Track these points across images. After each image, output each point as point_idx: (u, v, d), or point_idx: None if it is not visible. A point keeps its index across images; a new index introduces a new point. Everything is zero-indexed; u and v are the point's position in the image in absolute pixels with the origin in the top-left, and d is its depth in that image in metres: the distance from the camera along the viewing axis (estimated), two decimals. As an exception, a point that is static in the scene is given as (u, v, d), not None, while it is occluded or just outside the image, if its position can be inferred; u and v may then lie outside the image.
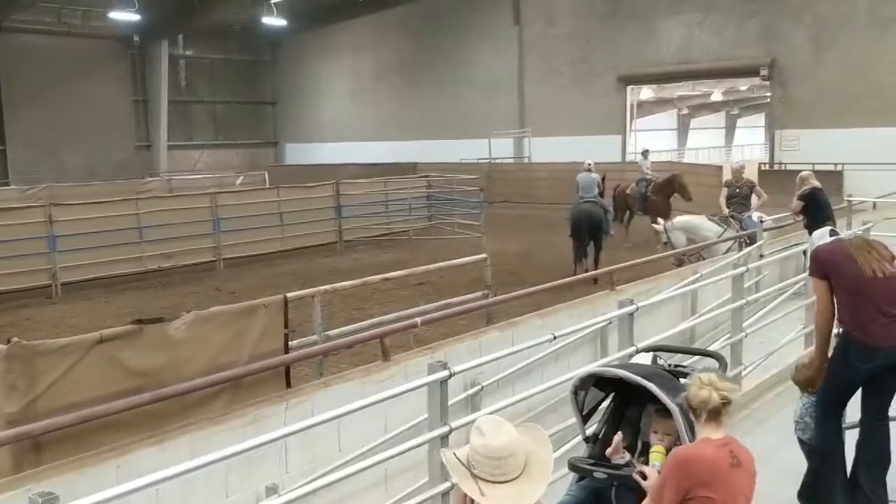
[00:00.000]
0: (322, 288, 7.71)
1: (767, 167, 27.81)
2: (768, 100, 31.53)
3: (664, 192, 18.76)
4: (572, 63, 32.87)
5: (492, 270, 9.75)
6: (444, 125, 36.00)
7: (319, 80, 42.43)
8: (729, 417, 6.78)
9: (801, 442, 5.35)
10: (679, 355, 5.53)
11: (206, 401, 5.53)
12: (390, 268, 12.77)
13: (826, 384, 5.13)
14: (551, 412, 6.46)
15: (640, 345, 6.00)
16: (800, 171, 12.92)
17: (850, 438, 5.25)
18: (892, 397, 5.14)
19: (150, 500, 4.09)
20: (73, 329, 12.12)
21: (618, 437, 3.98)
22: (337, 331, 7.64)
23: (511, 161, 34.05)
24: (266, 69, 44.94)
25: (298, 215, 20.28)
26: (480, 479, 2.68)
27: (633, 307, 6.26)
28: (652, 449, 3.84)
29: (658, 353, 5.08)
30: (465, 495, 2.73)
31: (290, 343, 6.61)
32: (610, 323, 6.78)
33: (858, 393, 5.14)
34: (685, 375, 4.37)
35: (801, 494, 5.28)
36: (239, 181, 31.64)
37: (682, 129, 49.46)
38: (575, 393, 4.28)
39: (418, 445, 4.66)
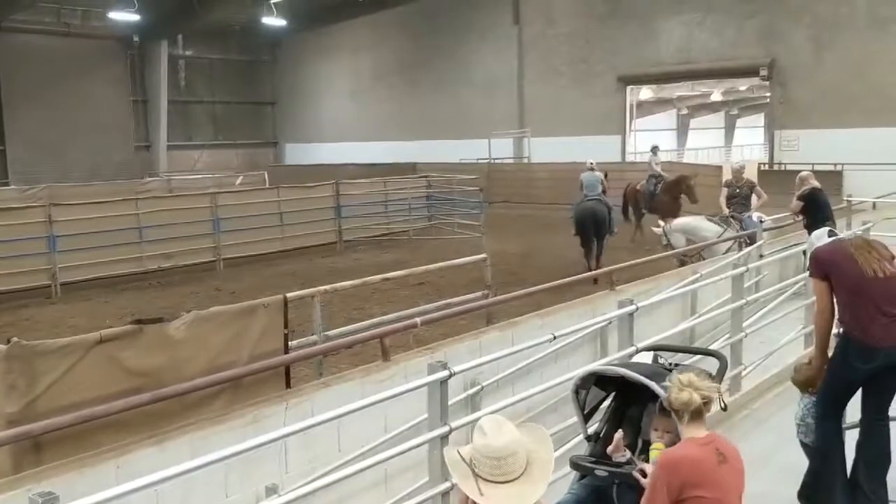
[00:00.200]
0: (322, 288, 7.71)
1: (767, 167, 27.82)
2: (768, 100, 31.53)
3: (672, 192, 18.67)
4: (572, 63, 32.88)
5: (491, 270, 9.75)
6: (444, 125, 36.00)
7: (319, 81, 42.44)
8: (729, 417, 6.84)
9: (803, 445, 5.35)
10: (680, 354, 5.54)
11: (206, 401, 5.53)
12: (390, 268, 12.76)
13: (826, 384, 5.14)
14: (551, 412, 6.46)
15: (641, 344, 6.00)
16: (799, 172, 12.93)
17: (850, 438, 5.25)
18: (892, 397, 5.14)
19: (150, 500, 4.09)
20: (73, 329, 12.12)
21: (619, 435, 3.99)
22: (337, 331, 7.64)
23: (511, 161, 34.05)
24: (266, 69, 44.94)
25: (298, 215, 20.27)
26: (482, 478, 2.69)
27: (633, 307, 6.27)
28: (652, 446, 3.86)
29: (659, 353, 5.09)
30: (467, 496, 2.73)
31: (289, 343, 6.61)
32: (610, 323, 6.78)
33: (858, 393, 5.15)
34: None
35: (801, 494, 5.28)
36: (239, 181, 31.62)
37: (682, 130, 49.48)
38: (576, 392, 4.30)
39: (418, 445, 4.66)
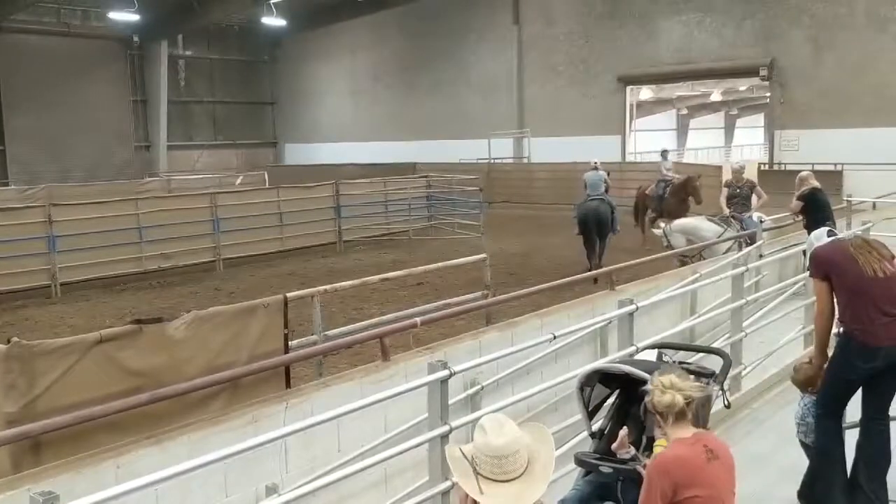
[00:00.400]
0: (322, 288, 7.70)
1: (767, 167, 27.82)
2: (767, 100, 31.54)
3: (678, 194, 18.62)
4: (572, 63, 32.89)
5: (491, 271, 9.75)
6: (444, 125, 36.00)
7: (319, 81, 42.45)
8: (729, 417, 6.84)
9: (803, 445, 5.35)
10: (683, 352, 5.56)
11: (206, 401, 5.53)
12: (390, 268, 12.79)
13: (826, 383, 5.14)
14: (551, 412, 6.46)
15: (643, 343, 6.00)
16: (799, 172, 12.92)
17: (851, 438, 5.25)
18: (892, 397, 5.14)
19: (150, 500, 4.08)
20: (73, 329, 12.13)
21: (623, 431, 4.00)
22: (336, 331, 7.63)
23: (510, 161, 34.05)
24: (265, 69, 44.94)
25: (298, 215, 20.28)
26: (483, 476, 2.69)
27: (633, 307, 6.26)
28: (656, 443, 3.87)
29: (663, 350, 5.11)
30: (467, 493, 2.73)
31: (289, 343, 6.60)
32: (610, 323, 6.78)
33: (858, 393, 5.14)
34: (690, 372, 4.41)
35: (802, 494, 5.28)
36: (238, 181, 31.65)
37: (682, 130, 49.45)
38: (581, 389, 4.34)
39: (418, 445, 4.66)
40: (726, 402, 4.76)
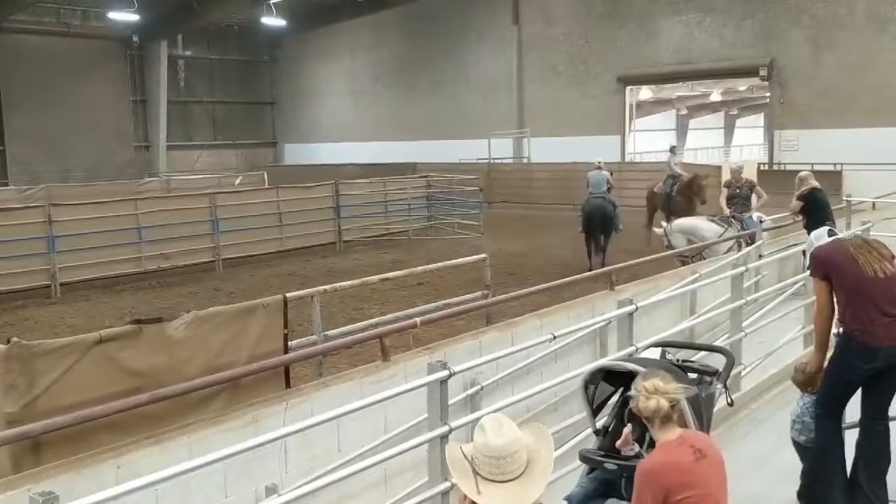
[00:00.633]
0: (321, 288, 7.70)
1: (767, 167, 27.83)
2: (767, 100, 31.57)
3: (685, 193, 18.59)
4: (571, 63, 32.90)
5: (491, 271, 9.75)
6: (444, 125, 36.00)
7: (318, 81, 42.44)
8: (729, 417, 6.83)
9: (795, 444, 5.35)
10: (686, 350, 5.58)
11: (206, 401, 5.52)
12: (389, 268, 12.78)
13: (826, 383, 5.14)
14: (551, 412, 6.47)
15: (646, 342, 6.00)
16: (799, 172, 12.92)
17: (850, 438, 5.25)
18: (892, 397, 5.14)
19: (150, 500, 4.08)
20: (72, 329, 12.13)
21: (627, 429, 4.02)
22: (336, 331, 7.63)
23: (510, 161, 34.06)
24: (265, 69, 44.93)
25: (297, 215, 20.28)
26: (481, 476, 2.69)
27: (633, 307, 6.27)
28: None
29: (667, 349, 5.13)
30: (465, 494, 2.74)
31: (289, 343, 6.60)
32: (609, 323, 6.78)
33: (858, 392, 5.15)
34: (694, 370, 4.50)
35: (801, 495, 5.29)
36: (238, 181, 31.66)
37: (681, 130, 49.45)
38: (585, 387, 4.39)
39: (418, 445, 4.66)
40: (729, 401, 4.78)
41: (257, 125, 45.05)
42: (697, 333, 8.65)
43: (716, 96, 43.52)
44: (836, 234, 5.84)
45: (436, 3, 35.87)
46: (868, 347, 4.89)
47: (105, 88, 38.22)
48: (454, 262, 9.76)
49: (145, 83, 39.45)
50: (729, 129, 53.61)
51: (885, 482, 5.12)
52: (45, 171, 33.51)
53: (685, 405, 3.80)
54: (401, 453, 4.57)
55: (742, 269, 7.93)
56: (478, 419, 3.65)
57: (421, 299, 12.09)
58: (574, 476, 4.65)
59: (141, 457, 4.26)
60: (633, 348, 6.05)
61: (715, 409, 4.57)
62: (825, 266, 5.12)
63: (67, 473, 4.02)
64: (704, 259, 11.15)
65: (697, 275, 8.84)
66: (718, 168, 25.08)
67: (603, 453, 4.20)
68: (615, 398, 4.48)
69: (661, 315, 7.91)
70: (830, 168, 24.24)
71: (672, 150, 20.91)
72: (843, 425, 5.26)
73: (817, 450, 5.16)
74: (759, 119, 48.59)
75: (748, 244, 11.20)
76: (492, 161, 32.71)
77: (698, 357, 5.42)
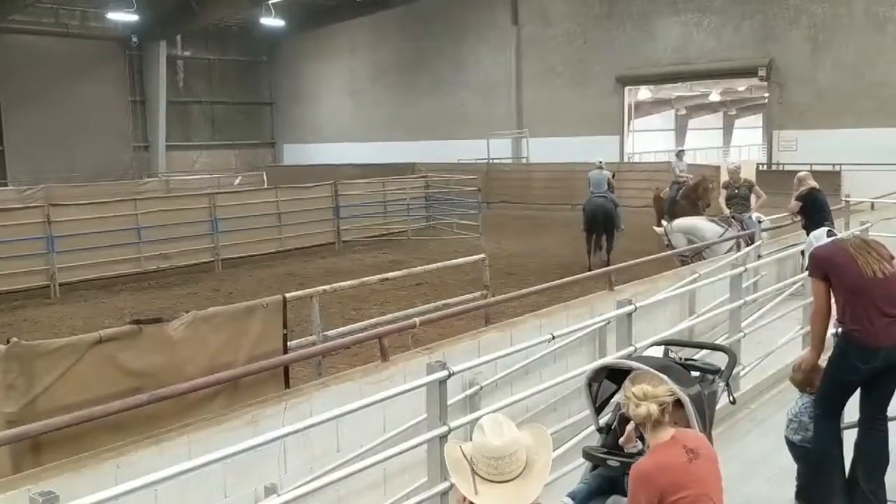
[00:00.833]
0: (321, 288, 7.70)
1: (765, 168, 27.83)
2: (766, 100, 31.54)
3: (690, 196, 18.55)
4: (570, 64, 32.90)
5: (490, 271, 9.75)
6: (442, 126, 36.00)
7: (317, 81, 42.43)
8: (728, 418, 6.83)
9: (789, 443, 5.34)
10: (689, 348, 5.60)
11: (205, 401, 5.53)
12: (388, 268, 12.79)
13: (825, 384, 5.14)
14: (550, 412, 6.47)
15: (644, 342, 6.01)
16: (798, 172, 12.93)
17: (849, 438, 5.26)
18: (891, 398, 5.15)
19: (149, 500, 4.09)
20: (72, 329, 12.13)
21: (631, 426, 4.03)
22: (335, 331, 7.64)
23: (509, 162, 34.05)
24: (264, 70, 44.90)
25: (296, 216, 20.28)
26: (480, 476, 2.69)
27: (632, 307, 6.27)
28: None
29: (669, 347, 5.16)
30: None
31: (288, 343, 6.61)
32: (608, 323, 6.78)
33: (857, 393, 5.15)
34: (696, 368, 4.53)
35: (800, 495, 5.29)
36: (237, 182, 31.66)
37: (680, 130, 49.42)
38: (589, 385, 4.40)
39: (417, 446, 4.66)
40: (731, 399, 4.80)
41: (256, 125, 45.03)
42: (697, 334, 8.65)
43: (714, 97, 43.51)
44: (835, 235, 5.84)
45: (435, 3, 35.88)
46: (867, 348, 4.89)
47: (104, 89, 38.21)
48: (453, 262, 9.76)
49: (144, 83, 39.42)
50: (728, 130, 53.57)
51: (884, 482, 5.12)
52: (45, 171, 33.45)
53: (689, 405, 3.81)
54: (400, 453, 4.57)
55: (741, 269, 7.94)
56: (477, 419, 3.65)
57: (420, 299, 12.10)
58: (573, 475, 4.66)
59: (140, 457, 4.26)
60: (632, 348, 6.06)
61: (717, 407, 4.58)
62: (824, 266, 5.12)
63: (67, 473, 4.02)
64: (704, 259, 11.16)
65: (696, 275, 8.85)
66: (717, 168, 25.08)
67: (606, 450, 4.24)
68: (618, 396, 4.50)
69: (661, 315, 7.92)
70: (829, 168, 24.24)
71: (679, 154, 20.80)
72: (842, 426, 5.27)
73: (816, 450, 5.16)
74: (757, 119, 48.51)
75: (748, 244, 11.20)
76: (490, 161, 32.69)
77: (700, 355, 5.43)
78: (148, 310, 13.29)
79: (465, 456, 2.75)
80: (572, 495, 4.21)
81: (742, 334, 7.75)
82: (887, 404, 5.14)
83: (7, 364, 4.94)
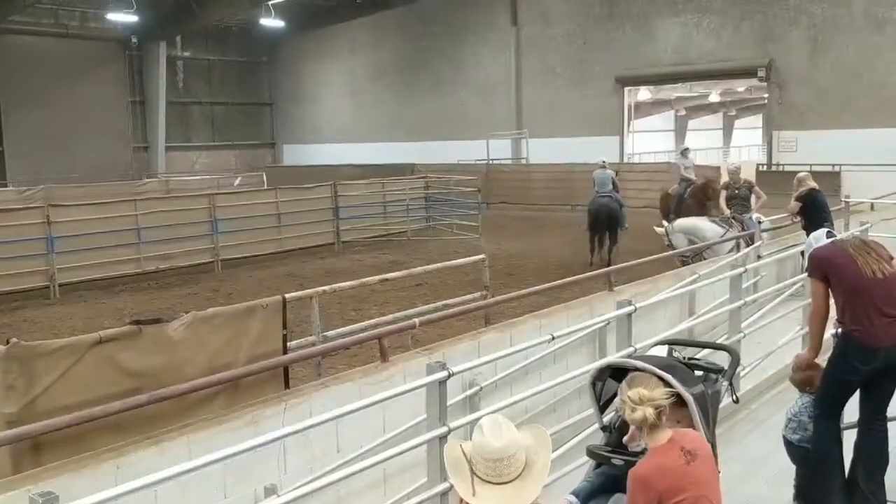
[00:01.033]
0: (320, 289, 7.70)
1: (765, 168, 27.84)
2: (766, 101, 31.57)
3: (697, 196, 18.51)
4: (569, 64, 32.92)
5: (489, 271, 9.75)
6: (442, 126, 36.01)
7: (317, 82, 42.45)
8: (728, 418, 6.83)
9: (787, 442, 5.34)
10: (692, 348, 5.61)
11: (205, 402, 5.52)
12: (388, 269, 12.80)
13: (825, 384, 5.14)
14: (550, 412, 6.47)
15: (652, 340, 6.02)
16: (797, 172, 12.93)
17: (849, 439, 5.26)
18: (890, 398, 5.15)
19: (149, 500, 4.08)
20: (72, 330, 12.12)
21: None
22: (335, 332, 7.63)
23: (509, 162, 34.05)
24: (264, 70, 44.91)
25: (296, 216, 20.27)
26: (478, 477, 2.69)
27: (632, 308, 6.27)
28: None
29: (673, 346, 5.17)
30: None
31: (288, 344, 6.61)
32: (608, 324, 6.79)
33: (857, 393, 5.15)
34: (700, 368, 4.53)
35: (799, 495, 5.29)
36: (237, 182, 31.66)
37: (680, 131, 49.45)
38: (593, 384, 4.42)
39: (417, 446, 4.66)
40: (734, 398, 4.80)
41: (256, 126, 45.04)
42: (697, 334, 8.65)
43: (714, 97, 43.55)
44: (834, 236, 5.84)
45: (435, 3, 35.88)
46: (867, 348, 4.89)
47: (104, 89, 38.22)
48: (453, 262, 9.76)
49: (144, 84, 39.43)
50: (727, 130, 53.62)
51: (884, 483, 5.12)
52: (44, 171, 33.46)
53: (693, 405, 3.82)
54: (400, 454, 4.57)
55: (741, 269, 7.94)
56: (477, 420, 3.66)
57: (420, 300, 12.10)
58: (573, 476, 4.66)
59: (140, 457, 4.26)
60: (631, 349, 6.06)
61: (721, 406, 4.59)
62: (824, 267, 5.12)
63: (67, 474, 4.02)
64: (705, 259, 11.16)
65: (696, 276, 8.85)
66: (717, 169, 25.08)
67: (610, 449, 4.25)
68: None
69: (661, 316, 7.92)
70: (829, 169, 24.25)
71: (683, 152, 20.73)
72: (842, 426, 5.27)
73: (816, 450, 5.16)
74: (757, 120, 48.56)
75: (748, 245, 11.20)
76: (490, 162, 32.69)
77: (703, 355, 5.44)
78: (148, 310, 13.29)
79: (464, 455, 2.75)
80: (576, 493, 4.22)
81: (742, 335, 7.75)
82: (887, 404, 5.14)
83: (7, 364, 4.94)
